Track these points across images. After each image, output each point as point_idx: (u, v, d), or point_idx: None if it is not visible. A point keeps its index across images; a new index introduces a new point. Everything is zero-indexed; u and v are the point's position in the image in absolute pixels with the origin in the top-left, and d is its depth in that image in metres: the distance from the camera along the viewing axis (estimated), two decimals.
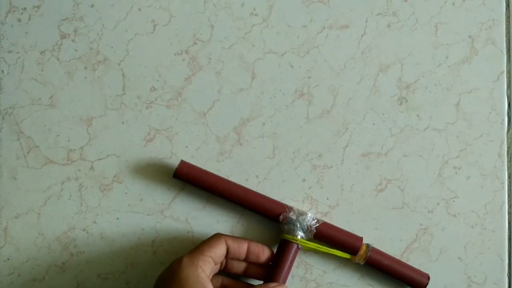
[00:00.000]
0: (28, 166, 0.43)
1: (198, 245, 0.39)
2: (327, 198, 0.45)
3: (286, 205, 0.42)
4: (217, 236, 0.40)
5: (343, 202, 0.46)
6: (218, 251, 0.39)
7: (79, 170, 0.44)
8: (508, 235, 0.47)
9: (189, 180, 0.42)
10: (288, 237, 0.41)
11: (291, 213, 0.42)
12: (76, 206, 0.44)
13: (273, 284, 0.39)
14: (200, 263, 0.37)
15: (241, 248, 0.40)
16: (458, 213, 0.46)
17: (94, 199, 0.44)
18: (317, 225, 0.42)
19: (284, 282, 0.41)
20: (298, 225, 0.41)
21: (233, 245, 0.40)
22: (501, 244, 0.46)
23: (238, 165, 0.45)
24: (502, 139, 0.47)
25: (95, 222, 0.44)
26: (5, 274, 0.43)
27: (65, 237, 0.43)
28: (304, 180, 0.45)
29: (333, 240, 0.42)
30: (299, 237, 0.41)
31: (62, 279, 0.43)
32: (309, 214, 0.42)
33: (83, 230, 0.44)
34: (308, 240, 0.42)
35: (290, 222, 0.41)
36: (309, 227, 0.41)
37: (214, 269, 0.40)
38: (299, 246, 0.41)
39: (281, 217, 0.41)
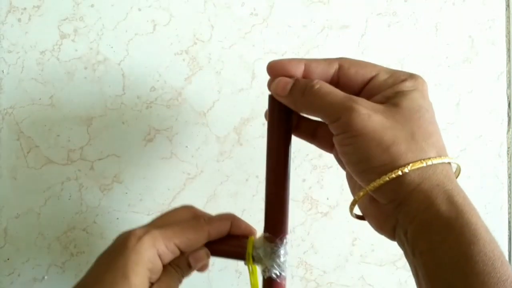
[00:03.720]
0: (28, 166, 0.43)
1: (174, 222, 0.33)
2: (327, 198, 0.45)
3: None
4: (199, 226, 0.33)
5: (343, 202, 0.45)
6: (192, 243, 0.32)
7: (79, 170, 0.44)
8: (508, 235, 0.47)
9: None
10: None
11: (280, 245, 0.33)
12: (76, 206, 0.44)
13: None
14: (161, 249, 0.31)
15: (224, 229, 0.34)
16: None
17: (94, 199, 0.44)
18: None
19: None
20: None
21: (215, 231, 0.33)
22: (501, 244, 0.46)
23: (238, 165, 0.45)
24: (502, 139, 0.47)
25: (95, 222, 0.44)
26: (5, 274, 0.43)
27: (65, 237, 0.43)
28: (304, 180, 0.45)
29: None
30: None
31: (62, 279, 0.43)
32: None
33: (83, 230, 0.44)
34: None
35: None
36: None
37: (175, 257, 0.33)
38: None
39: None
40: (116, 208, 0.44)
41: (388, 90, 0.27)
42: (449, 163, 0.26)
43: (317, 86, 0.28)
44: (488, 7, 0.47)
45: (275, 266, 0.33)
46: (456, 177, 0.27)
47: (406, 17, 0.46)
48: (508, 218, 0.47)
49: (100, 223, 0.44)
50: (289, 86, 0.29)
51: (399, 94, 0.27)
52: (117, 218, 0.44)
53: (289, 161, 0.33)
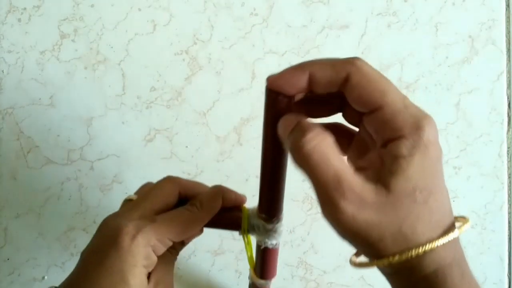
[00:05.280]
0: (28, 166, 0.43)
1: (166, 215, 0.31)
2: None
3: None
4: (194, 217, 0.32)
5: None
6: (187, 236, 0.31)
7: (79, 170, 0.44)
8: (508, 235, 0.47)
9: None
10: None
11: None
12: (76, 206, 0.44)
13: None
14: (156, 245, 0.29)
15: (217, 208, 0.33)
16: (458, 213, 0.46)
17: (94, 199, 0.44)
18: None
19: None
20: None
21: (210, 216, 0.32)
22: (501, 244, 0.46)
23: (238, 165, 0.45)
24: (502, 139, 0.47)
25: (95, 222, 0.44)
26: (5, 274, 0.43)
27: (65, 237, 0.43)
28: (304, 180, 0.45)
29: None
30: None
31: (62, 279, 0.43)
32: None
33: (83, 230, 0.44)
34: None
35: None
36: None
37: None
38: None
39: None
40: (116, 208, 0.44)
41: (385, 152, 0.23)
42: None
43: (307, 147, 0.24)
44: (488, 7, 0.47)
45: (271, 239, 0.33)
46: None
47: (406, 17, 0.46)
48: (508, 218, 0.47)
49: None
50: (288, 130, 0.25)
51: (395, 169, 0.23)
52: None
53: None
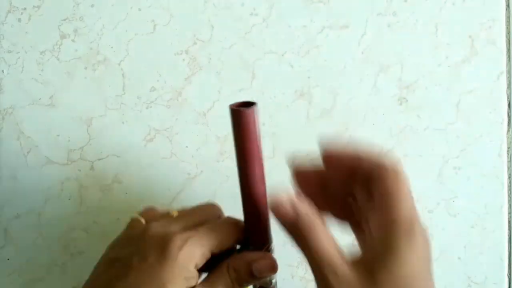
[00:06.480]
0: (28, 166, 0.43)
1: (207, 227, 0.30)
2: None
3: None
4: (234, 226, 0.31)
5: None
6: (227, 246, 0.31)
7: (79, 170, 0.44)
8: (508, 235, 0.47)
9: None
10: None
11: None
12: (76, 206, 0.44)
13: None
14: (199, 260, 0.29)
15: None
16: (458, 213, 0.46)
17: (94, 199, 0.44)
18: None
19: None
20: None
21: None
22: (501, 244, 0.46)
23: None
24: (502, 139, 0.47)
25: (95, 222, 0.44)
26: (5, 274, 0.43)
27: (65, 237, 0.43)
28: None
29: None
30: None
31: (62, 279, 0.43)
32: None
33: (83, 230, 0.44)
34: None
35: None
36: None
37: None
38: None
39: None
40: (116, 209, 0.44)
41: (378, 246, 0.28)
42: None
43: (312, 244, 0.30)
44: (488, 7, 0.47)
45: (265, 282, 0.32)
46: None
47: (406, 17, 0.46)
48: (508, 218, 0.47)
49: (100, 223, 0.44)
50: (287, 220, 0.30)
51: (384, 262, 0.26)
52: (118, 219, 0.44)
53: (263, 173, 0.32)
